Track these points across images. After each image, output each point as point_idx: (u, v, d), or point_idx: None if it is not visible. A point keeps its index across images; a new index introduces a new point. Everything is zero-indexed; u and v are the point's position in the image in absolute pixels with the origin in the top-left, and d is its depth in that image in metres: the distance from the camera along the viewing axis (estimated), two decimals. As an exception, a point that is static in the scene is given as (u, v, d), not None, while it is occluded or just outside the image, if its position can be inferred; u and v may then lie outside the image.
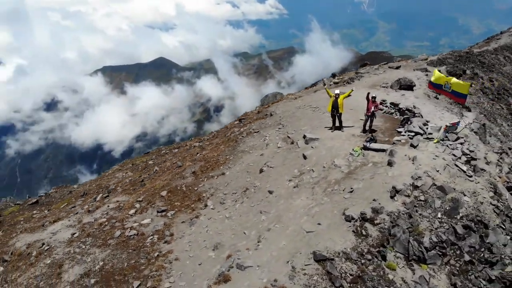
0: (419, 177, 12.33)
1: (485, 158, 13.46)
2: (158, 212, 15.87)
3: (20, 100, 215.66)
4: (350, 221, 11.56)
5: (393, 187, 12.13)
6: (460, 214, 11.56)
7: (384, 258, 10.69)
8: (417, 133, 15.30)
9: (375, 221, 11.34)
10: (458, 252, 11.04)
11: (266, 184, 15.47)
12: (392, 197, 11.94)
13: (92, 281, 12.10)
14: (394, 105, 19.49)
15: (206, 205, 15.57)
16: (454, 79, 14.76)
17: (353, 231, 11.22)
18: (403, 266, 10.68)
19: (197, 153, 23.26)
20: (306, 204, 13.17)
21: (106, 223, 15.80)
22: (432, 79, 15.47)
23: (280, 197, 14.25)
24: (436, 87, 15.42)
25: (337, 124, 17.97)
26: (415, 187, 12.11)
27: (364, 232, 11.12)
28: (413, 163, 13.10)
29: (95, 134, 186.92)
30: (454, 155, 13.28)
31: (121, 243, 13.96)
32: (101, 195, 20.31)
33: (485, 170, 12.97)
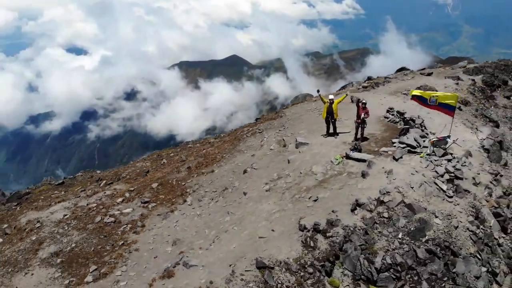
0: (388, 192, 11.39)
1: (473, 178, 12.04)
2: (142, 203, 16.45)
3: (103, 88, 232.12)
4: (302, 231, 11.05)
5: (356, 200, 11.36)
6: (426, 237, 10.51)
7: (328, 273, 10.09)
8: (409, 145, 14.14)
9: (327, 234, 10.71)
10: (415, 278, 10.06)
11: (244, 185, 15.31)
12: (352, 211, 11.20)
13: (58, 260, 12.92)
14: (400, 113, 18.16)
15: (185, 201, 15.82)
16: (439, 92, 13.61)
17: (301, 241, 10.72)
18: (348, 285, 10.00)
19: (203, 149, 23.66)
20: (271, 209, 12.82)
21: (95, 208, 16.72)
22: (415, 93, 14.27)
23: (250, 200, 14.03)
24: (420, 100, 14.12)
25: (331, 130, 17.21)
26: (381, 203, 11.22)
27: (312, 244, 10.56)
28: (387, 177, 12.14)
29: (169, 125, 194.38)
30: (436, 172, 12.06)
31: (97, 229, 14.70)
32: (104, 181, 21.49)
33: (469, 192, 11.61)
